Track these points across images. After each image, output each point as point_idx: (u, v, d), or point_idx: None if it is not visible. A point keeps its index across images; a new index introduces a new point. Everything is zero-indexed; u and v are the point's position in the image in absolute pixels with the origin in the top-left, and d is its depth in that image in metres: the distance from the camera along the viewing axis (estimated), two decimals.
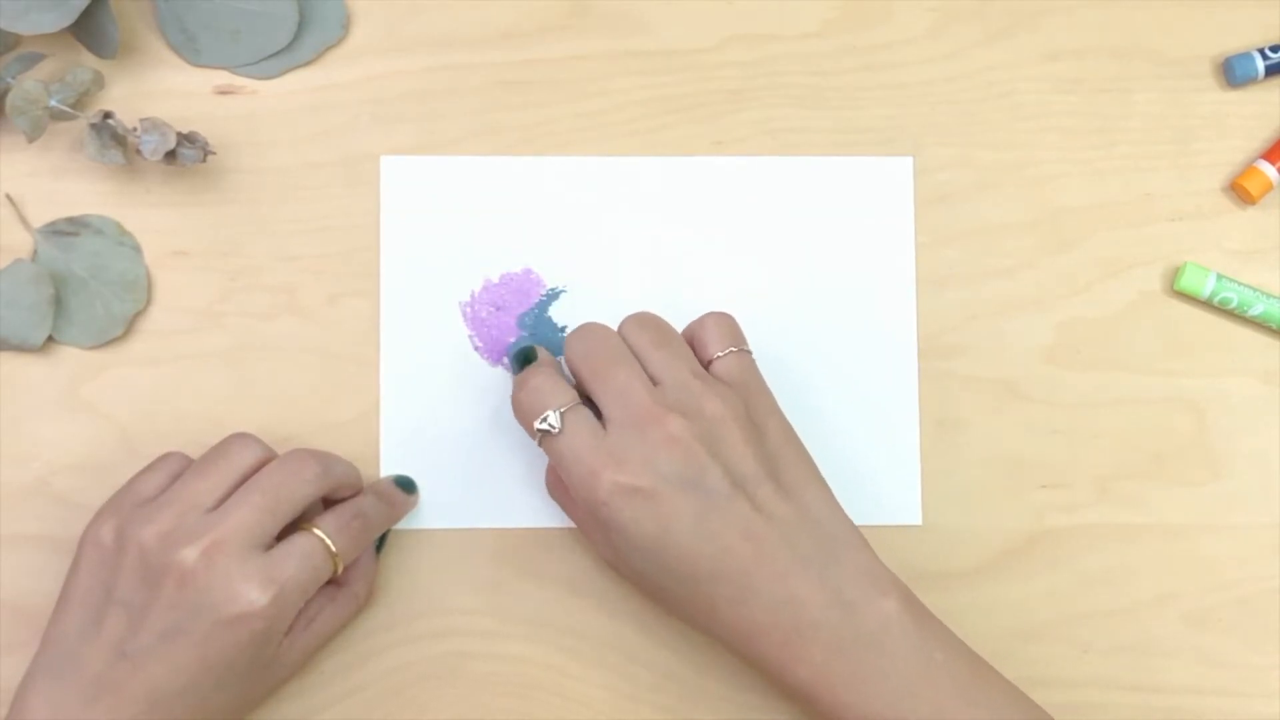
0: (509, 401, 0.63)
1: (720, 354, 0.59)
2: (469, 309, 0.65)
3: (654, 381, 0.58)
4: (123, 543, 0.57)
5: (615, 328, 0.60)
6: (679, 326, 0.61)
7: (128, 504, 0.58)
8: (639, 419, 0.56)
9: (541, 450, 0.58)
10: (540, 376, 0.58)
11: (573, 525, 0.63)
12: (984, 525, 0.64)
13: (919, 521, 0.64)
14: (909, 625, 0.55)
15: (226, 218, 0.65)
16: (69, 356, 0.64)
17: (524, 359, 0.61)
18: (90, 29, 0.64)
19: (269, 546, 0.57)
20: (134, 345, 0.64)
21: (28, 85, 0.62)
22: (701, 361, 0.59)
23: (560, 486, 0.61)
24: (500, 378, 0.65)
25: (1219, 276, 0.65)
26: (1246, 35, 0.67)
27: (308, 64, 0.66)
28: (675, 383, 0.57)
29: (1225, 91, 0.67)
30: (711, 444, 0.56)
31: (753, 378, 0.59)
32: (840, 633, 0.54)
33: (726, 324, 0.60)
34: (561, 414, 0.57)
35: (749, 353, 0.60)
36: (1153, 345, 0.66)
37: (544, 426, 0.57)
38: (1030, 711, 0.55)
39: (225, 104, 0.65)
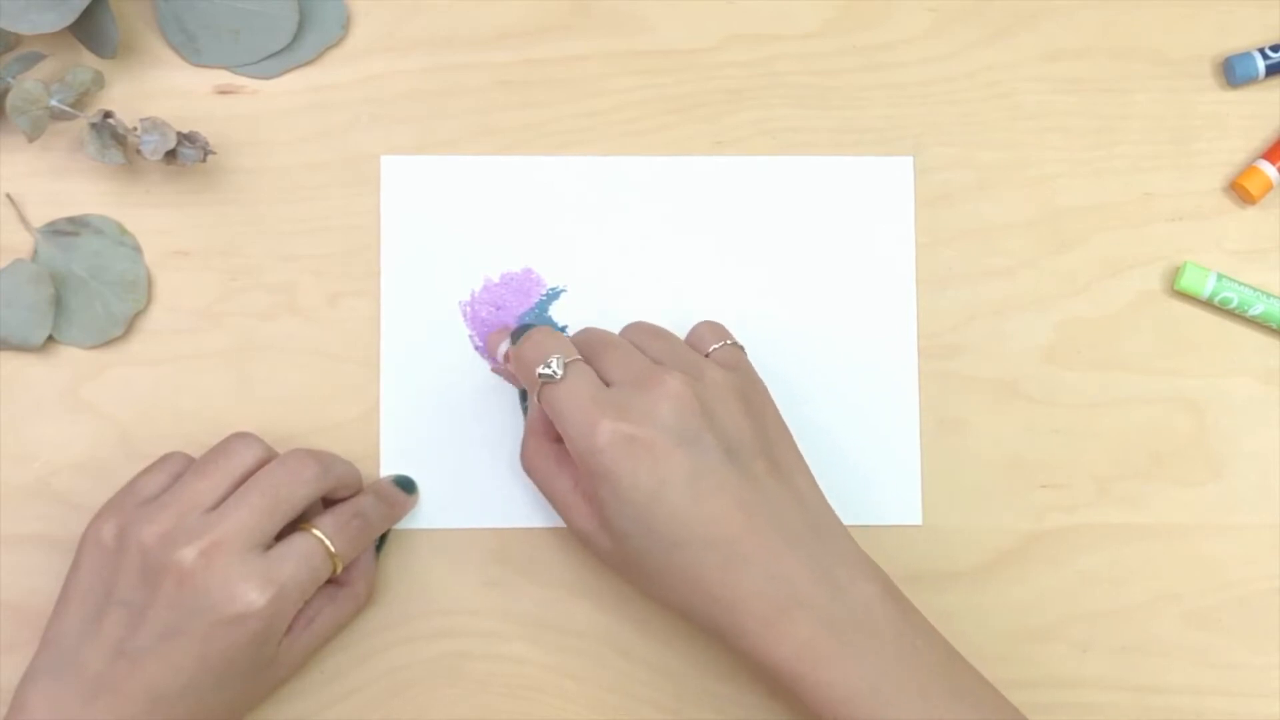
0: (509, 402, 0.63)
1: (716, 346, 0.60)
2: (469, 309, 0.65)
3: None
4: (123, 542, 0.57)
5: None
6: (680, 330, 0.62)
7: (129, 503, 0.58)
8: (640, 378, 0.56)
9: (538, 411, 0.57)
10: (544, 332, 0.59)
11: None
12: (984, 525, 0.64)
13: (919, 522, 0.64)
14: (893, 610, 0.55)
15: (226, 218, 0.65)
16: (69, 356, 0.64)
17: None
18: (90, 29, 0.64)
19: (268, 546, 0.57)
20: (134, 345, 0.64)
21: (28, 85, 0.62)
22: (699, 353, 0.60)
23: (539, 454, 0.60)
24: (500, 378, 0.65)
25: (1219, 276, 0.65)
26: (1246, 35, 0.67)
27: (308, 64, 0.66)
28: (676, 357, 0.58)
29: (1225, 91, 0.67)
30: (710, 408, 0.56)
31: (748, 368, 0.60)
32: (827, 611, 0.54)
33: (718, 326, 0.61)
34: (565, 363, 0.57)
35: (741, 347, 0.61)
36: (1153, 345, 0.66)
37: (546, 371, 0.56)
38: (1006, 709, 0.55)
39: (225, 104, 0.65)
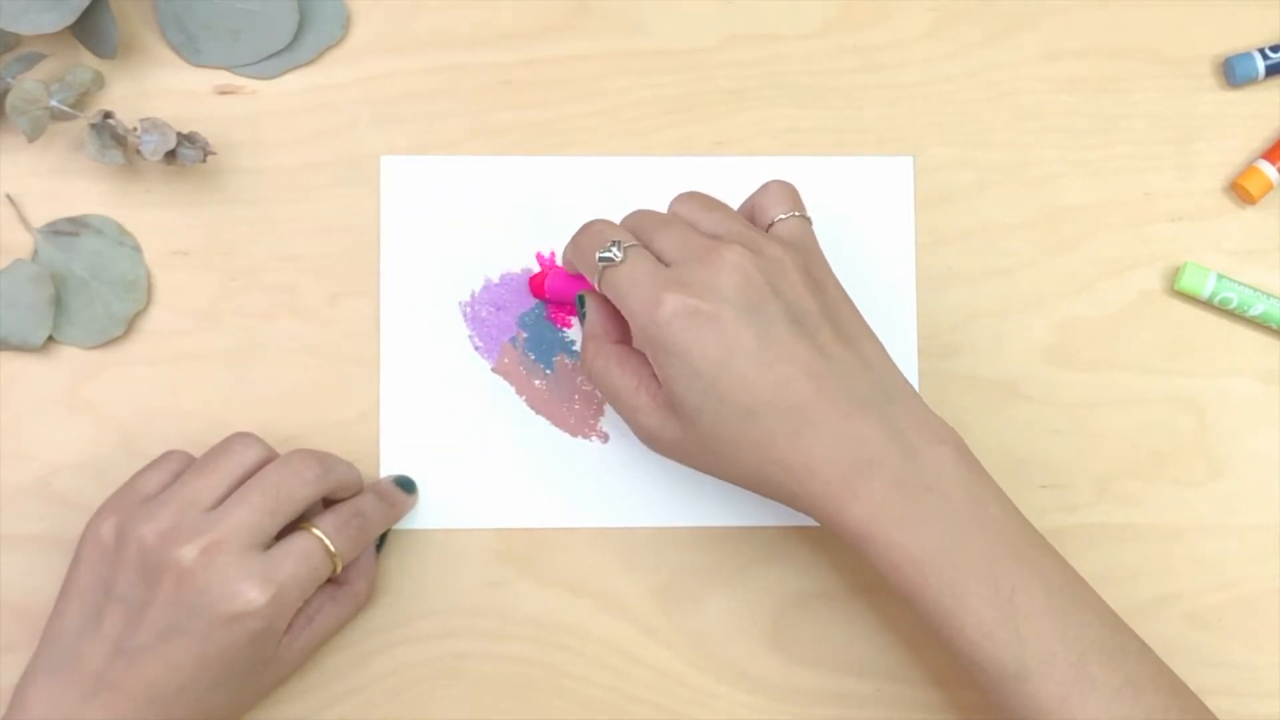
0: (509, 401, 0.63)
1: (782, 216, 0.59)
2: (469, 309, 0.65)
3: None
4: (123, 540, 0.57)
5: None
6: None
7: (129, 501, 0.58)
8: (699, 252, 0.55)
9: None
10: (601, 222, 0.58)
11: (572, 526, 0.64)
12: None
13: None
14: (965, 473, 0.54)
15: (226, 218, 0.65)
16: (69, 356, 0.64)
17: (581, 300, 0.61)
18: (90, 29, 0.64)
19: (268, 546, 0.57)
20: (134, 345, 0.64)
21: (28, 85, 0.62)
22: (760, 225, 0.59)
23: (600, 355, 0.59)
24: (500, 378, 0.65)
25: (1219, 276, 0.65)
26: (1246, 35, 0.67)
27: (308, 64, 0.66)
28: (732, 232, 0.57)
29: (1225, 91, 0.67)
30: (772, 279, 0.55)
31: (811, 242, 0.59)
32: (899, 471, 0.53)
33: (789, 190, 0.60)
34: (624, 247, 0.56)
35: (809, 219, 0.59)
36: (1153, 345, 0.66)
37: (607, 254, 0.56)
38: (1074, 580, 0.54)
39: (225, 104, 0.65)
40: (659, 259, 0.56)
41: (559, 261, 0.64)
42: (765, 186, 0.60)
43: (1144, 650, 0.54)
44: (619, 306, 0.56)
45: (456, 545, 0.64)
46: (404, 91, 0.66)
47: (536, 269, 0.65)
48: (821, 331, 0.55)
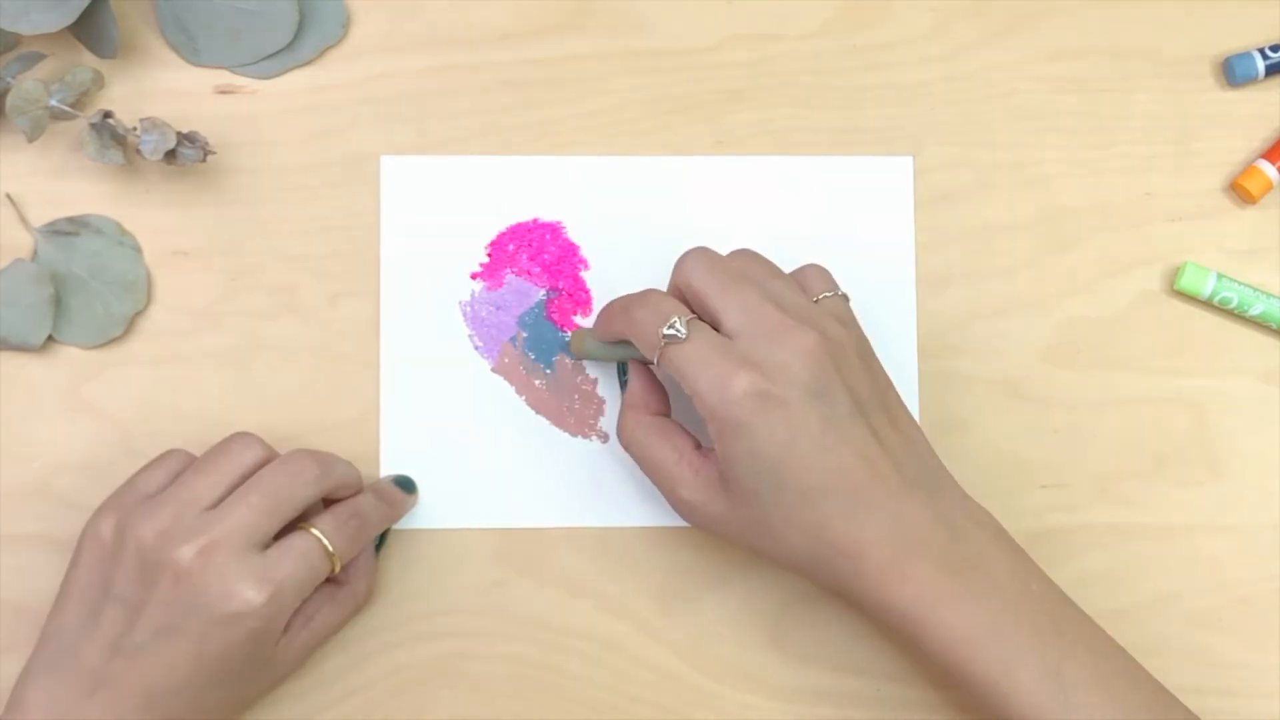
0: (509, 401, 0.63)
1: (826, 294, 0.59)
2: (469, 309, 0.65)
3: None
4: (122, 539, 0.57)
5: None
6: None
7: (128, 500, 0.58)
8: (771, 329, 0.55)
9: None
10: (657, 293, 0.58)
11: (572, 526, 0.64)
12: None
13: None
14: (1007, 553, 0.56)
15: (226, 218, 0.65)
16: (69, 356, 0.64)
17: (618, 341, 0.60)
18: (90, 29, 0.64)
19: (267, 546, 0.57)
20: (134, 345, 0.64)
21: (28, 85, 0.62)
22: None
23: (640, 426, 0.59)
24: (500, 378, 0.65)
25: (1219, 276, 0.65)
26: (1246, 35, 0.67)
27: (308, 64, 0.66)
28: (798, 306, 0.57)
29: (1225, 91, 0.67)
30: (838, 363, 0.56)
31: (855, 322, 0.59)
32: (946, 553, 0.55)
33: (825, 273, 0.60)
34: (686, 322, 0.56)
35: (847, 297, 0.59)
36: (1153, 345, 0.66)
37: (671, 332, 0.56)
38: (1115, 650, 0.56)
39: (225, 104, 0.65)
40: (721, 322, 0.56)
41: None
42: (803, 270, 0.60)
43: (1189, 717, 0.56)
44: (682, 383, 0.56)
45: (456, 545, 0.64)
46: (404, 91, 0.66)
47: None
48: (876, 416, 0.56)
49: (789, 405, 0.54)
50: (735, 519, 0.57)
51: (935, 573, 0.54)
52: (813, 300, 0.58)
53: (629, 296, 0.59)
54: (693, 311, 0.57)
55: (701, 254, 0.58)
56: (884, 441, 0.56)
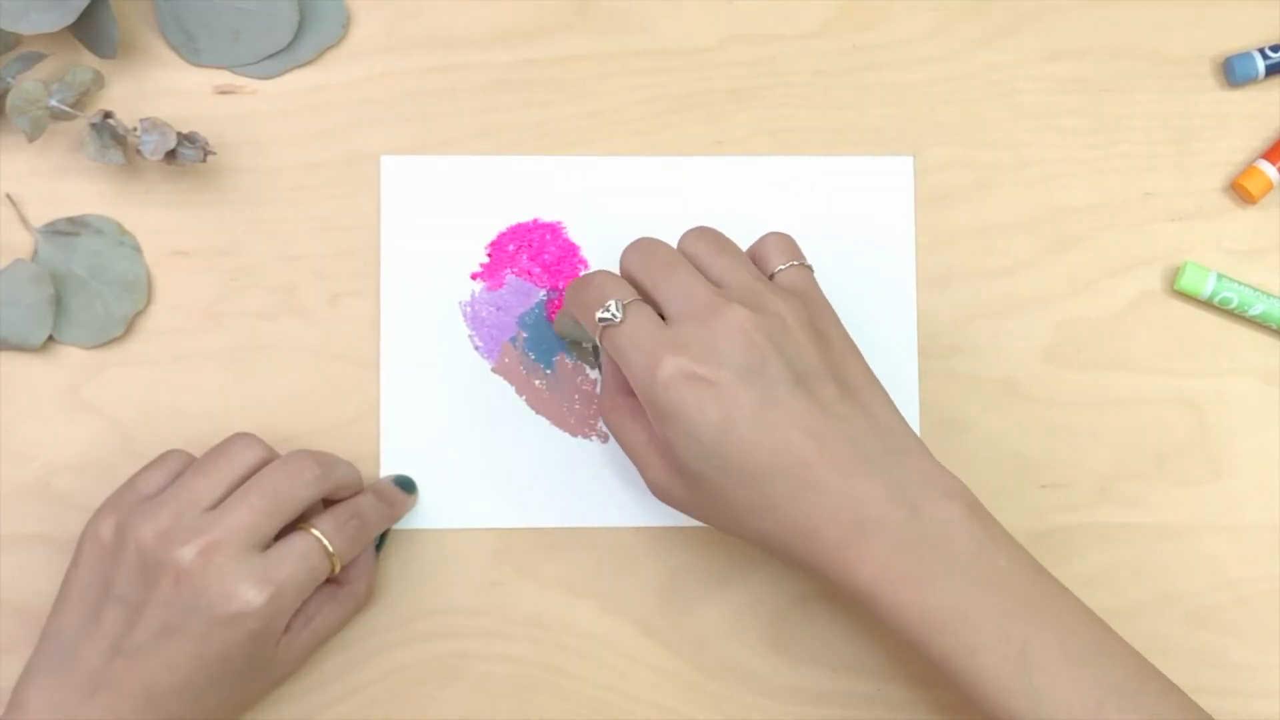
0: (509, 401, 0.63)
1: (782, 266, 0.58)
2: (469, 309, 0.65)
3: (716, 285, 0.57)
4: (122, 539, 0.57)
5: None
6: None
7: (128, 500, 0.58)
8: (701, 311, 0.55)
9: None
10: (602, 274, 0.58)
11: (572, 526, 0.64)
12: None
13: None
14: (975, 529, 0.54)
15: (226, 218, 0.65)
16: (69, 356, 0.64)
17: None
18: (90, 29, 0.64)
19: (267, 546, 0.57)
20: (134, 345, 0.64)
21: (28, 85, 0.62)
22: (763, 274, 0.58)
23: (615, 408, 0.59)
24: (500, 378, 0.65)
25: (1219, 276, 0.65)
26: (1246, 35, 0.67)
27: (308, 64, 0.66)
28: (738, 284, 0.56)
29: (1225, 91, 0.67)
30: (775, 338, 0.54)
31: (815, 290, 0.58)
32: (904, 531, 0.53)
33: (787, 241, 0.59)
34: (623, 305, 0.56)
35: (810, 267, 0.59)
36: (1153, 345, 0.66)
37: (606, 315, 0.56)
38: (1089, 625, 0.54)
39: (225, 104, 0.65)
40: (661, 309, 0.56)
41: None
42: (763, 239, 0.59)
43: (1166, 690, 0.54)
44: (621, 366, 0.56)
45: (456, 545, 0.64)
46: (404, 91, 0.66)
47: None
48: (825, 388, 0.55)
49: (719, 386, 0.53)
50: (696, 501, 0.56)
51: (891, 553, 0.53)
52: (771, 273, 0.58)
53: (580, 277, 0.59)
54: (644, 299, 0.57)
55: (637, 244, 0.58)
56: (832, 415, 0.54)
